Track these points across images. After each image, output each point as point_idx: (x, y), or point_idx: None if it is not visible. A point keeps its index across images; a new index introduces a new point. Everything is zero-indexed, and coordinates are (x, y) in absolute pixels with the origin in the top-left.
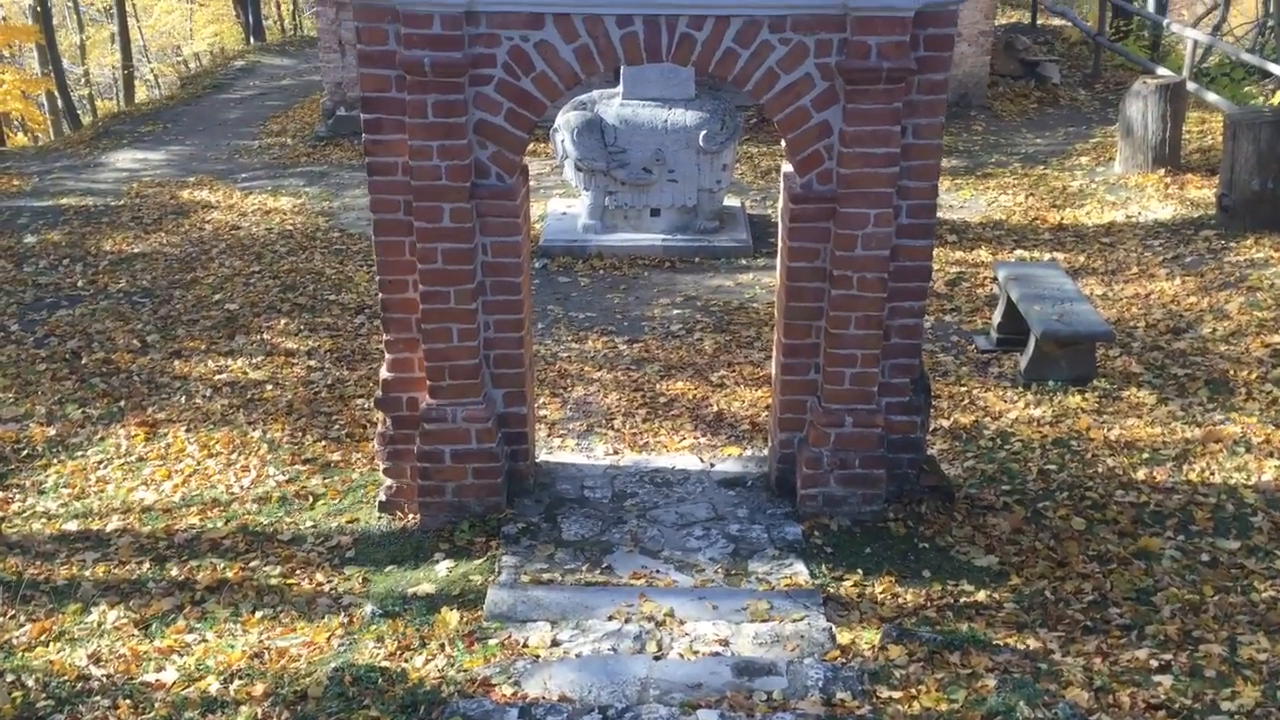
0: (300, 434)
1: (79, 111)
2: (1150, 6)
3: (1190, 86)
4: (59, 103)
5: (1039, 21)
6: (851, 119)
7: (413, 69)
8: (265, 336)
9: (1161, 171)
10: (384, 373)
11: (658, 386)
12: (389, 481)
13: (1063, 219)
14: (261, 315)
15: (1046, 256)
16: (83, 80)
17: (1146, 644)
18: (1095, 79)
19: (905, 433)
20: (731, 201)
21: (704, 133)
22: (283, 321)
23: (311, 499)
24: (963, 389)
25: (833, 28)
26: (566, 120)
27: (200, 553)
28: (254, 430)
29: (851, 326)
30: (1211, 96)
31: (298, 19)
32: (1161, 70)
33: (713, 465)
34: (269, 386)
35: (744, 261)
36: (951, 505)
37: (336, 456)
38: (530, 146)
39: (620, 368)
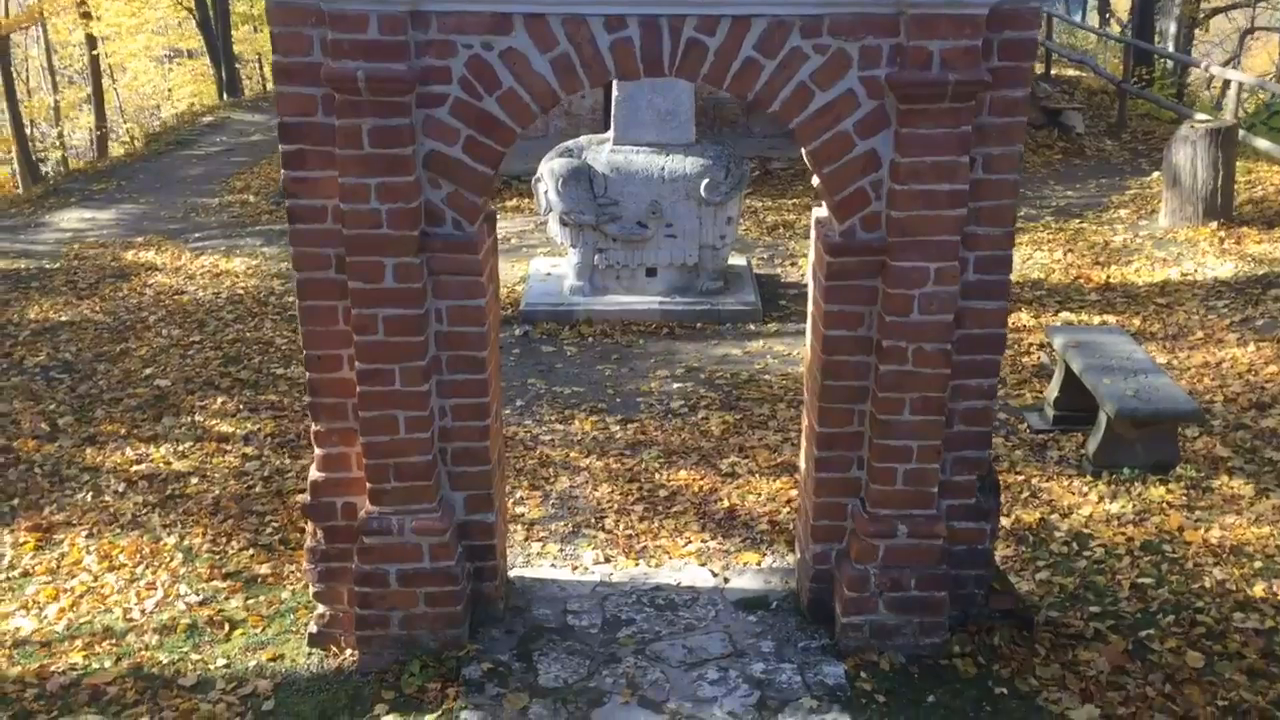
0: (225, 539)
1: (50, 172)
2: (1170, 49)
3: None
4: (24, 162)
5: (1053, 72)
6: (907, 147)
7: (343, 85)
8: (197, 418)
9: (1214, 225)
10: (314, 472)
11: (657, 476)
12: (321, 609)
13: (1109, 277)
14: (196, 393)
15: (1096, 319)
16: (56, 142)
17: None
18: (1121, 128)
19: (971, 543)
20: (736, 260)
21: (706, 182)
22: (219, 400)
23: (228, 627)
24: (1020, 478)
25: (883, 31)
26: (550, 168)
27: (76, 706)
28: (168, 535)
29: (905, 411)
30: (1262, 143)
31: None
32: (1200, 115)
33: (727, 580)
34: (194, 479)
35: (753, 327)
36: (1031, 634)
37: (265, 569)
38: (515, 202)
39: (612, 453)
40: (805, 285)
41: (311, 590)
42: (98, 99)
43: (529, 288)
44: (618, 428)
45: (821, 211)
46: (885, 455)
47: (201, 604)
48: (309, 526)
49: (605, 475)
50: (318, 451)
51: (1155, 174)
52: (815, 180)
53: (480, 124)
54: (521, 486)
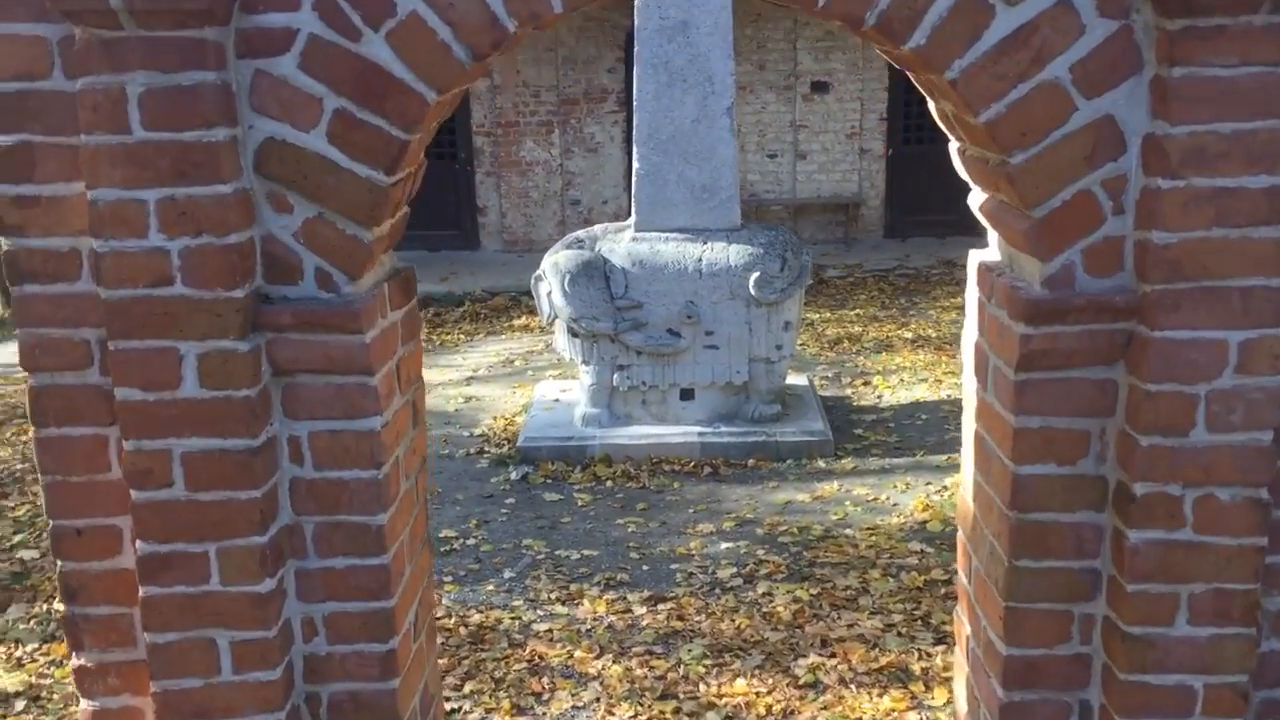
0: None
1: None
2: None
3: None
4: None
5: None
6: (1183, 106)
7: (88, 11)
8: (59, 606)
9: None
10: None
11: (701, 687)
12: None
13: None
14: None
15: None
16: None
17: None
18: None
19: None
20: (795, 379)
21: (756, 275)
22: None
23: None
24: None
25: None
26: (554, 263)
27: None
28: None
29: (1180, 618)
30: None
31: None
32: None
33: None
34: (20, 704)
35: (822, 464)
36: None
37: None
38: (523, 320)
39: (636, 650)
40: (884, 410)
41: None
42: None
43: (530, 417)
44: (644, 610)
45: (989, 253)
46: (1138, 703)
47: None
48: None
49: (625, 688)
50: (84, 706)
51: None
52: (977, 195)
53: (360, 85)
54: (499, 709)
